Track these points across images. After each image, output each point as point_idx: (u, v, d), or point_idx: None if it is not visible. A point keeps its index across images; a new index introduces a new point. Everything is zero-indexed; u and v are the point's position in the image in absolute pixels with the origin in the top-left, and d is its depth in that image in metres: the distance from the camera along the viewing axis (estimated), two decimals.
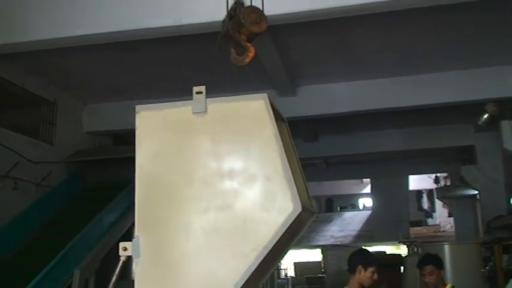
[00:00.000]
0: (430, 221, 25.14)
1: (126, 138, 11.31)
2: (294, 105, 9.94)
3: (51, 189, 9.31)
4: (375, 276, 4.71)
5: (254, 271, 2.86)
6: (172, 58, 8.71)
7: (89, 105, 11.08)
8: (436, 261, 5.29)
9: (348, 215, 24.95)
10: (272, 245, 2.86)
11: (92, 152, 10.41)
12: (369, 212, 23.27)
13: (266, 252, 2.86)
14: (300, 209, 2.88)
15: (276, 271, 20.79)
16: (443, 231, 22.28)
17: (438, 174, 20.82)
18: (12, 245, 7.88)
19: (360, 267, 4.75)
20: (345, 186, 25.33)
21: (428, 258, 5.42)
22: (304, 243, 20.14)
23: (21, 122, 9.25)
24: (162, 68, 9.20)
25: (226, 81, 7.67)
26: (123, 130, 10.65)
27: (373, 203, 21.58)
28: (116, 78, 9.74)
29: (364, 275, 4.72)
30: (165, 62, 8.90)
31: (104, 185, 9.36)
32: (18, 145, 8.81)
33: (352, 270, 4.78)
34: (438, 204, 24.12)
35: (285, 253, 3.58)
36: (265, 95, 3.10)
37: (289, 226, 2.89)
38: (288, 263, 24.29)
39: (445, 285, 5.28)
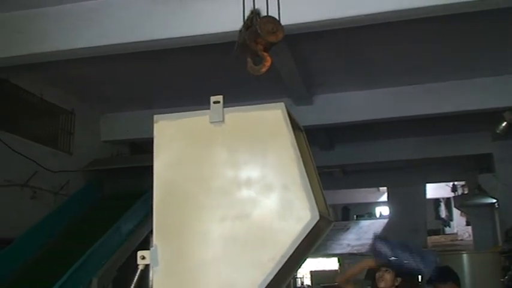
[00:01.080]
0: (447, 229, 24.90)
1: (144, 147, 11.37)
2: (310, 114, 9.93)
3: (69, 198, 9.39)
4: (377, 275, 4.77)
5: (272, 280, 2.85)
6: (190, 68, 8.76)
7: (106, 115, 11.17)
8: (455, 278, 5.20)
9: (365, 223, 24.76)
10: (290, 254, 2.86)
11: (109, 161, 10.49)
12: (386, 220, 23.09)
13: (284, 261, 2.85)
14: (317, 218, 2.87)
15: (292, 280, 20.71)
16: (461, 239, 22.04)
17: (456, 183, 20.63)
18: (30, 253, 7.94)
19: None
20: (362, 195, 25.19)
21: (448, 275, 5.28)
22: (321, 251, 20.00)
23: (40, 131, 9.37)
24: (179, 78, 9.26)
25: (243, 91, 7.71)
26: (140, 139, 10.73)
27: (390, 212, 21.43)
28: (133, 88, 9.81)
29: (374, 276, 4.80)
30: (182, 71, 8.96)
31: (121, 194, 9.41)
32: (37, 154, 8.91)
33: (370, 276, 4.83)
34: (456, 212, 23.89)
35: (303, 262, 3.58)
36: (282, 104, 3.11)
37: (307, 235, 2.89)
38: (304, 272, 24.18)
39: None
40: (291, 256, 2.87)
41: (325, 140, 13.18)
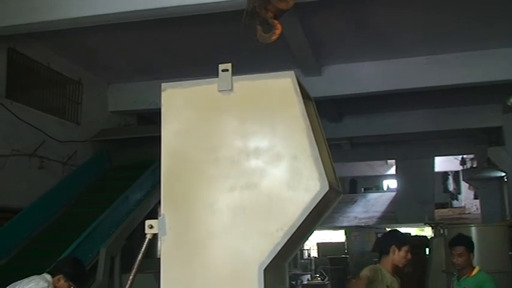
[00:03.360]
0: (455, 203, 24.87)
1: (151, 118, 11.34)
2: (319, 85, 9.84)
3: (77, 168, 9.40)
4: (409, 256, 4.66)
5: (280, 250, 2.84)
6: (198, 37, 8.67)
7: (114, 85, 11.11)
8: (468, 243, 5.20)
9: (372, 196, 24.79)
10: (298, 224, 2.84)
11: (117, 131, 10.47)
12: (393, 193, 23.09)
13: (292, 231, 2.83)
14: (327, 188, 2.84)
15: (299, 251, 20.86)
16: (469, 213, 22.03)
17: (465, 156, 20.55)
18: (39, 223, 7.97)
19: (394, 247, 4.70)
20: (370, 168, 25.17)
21: (460, 239, 5.31)
22: (328, 224, 20.08)
23: (47, 101, 9.35)
24: (187, 47, 9.16)
25: (251, 61, 7.60)
26: (148, 110, 10.67)
27: (398, 185, 21.41)
28: (141, 58, 9.74)
29: (399, 254, 4.67)
30: (190, 40, 8.86)
31: (129, 165, 9.41)
32: (45, 124, 8.91)
33: (385, 251, 4.74)
34: (464, 186, 23.84)
35: (311, 233, 3.55)
36: (292, 72, 3.05)
37: (316, 205, 2.86)
38: (311, 244, 24.34)
39: (473, 268, 5.14)
40: (299, 227, 2.85)
41: (333, 112, 13.10)
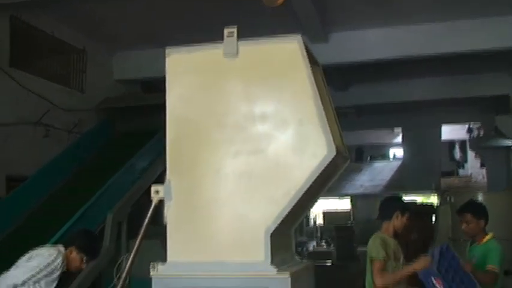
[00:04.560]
0: (461, 171, 24.82)
1: (156, 87, 11.27)
2: (326, 53, 9.65)
3: (82, 136, 9.38)
4: (408, 223, 4.69)
5: (286, 216, 2.84)
6: (203, 2, 8.54)
7: (118, 53, 11.01)
8: (475, 210, 5.00)
9: (378, 164, 24.78)
10: (305, 189, 2.83)
11: (122, 99, 10.41)
12: (400, 162, 23.07)
13: (299, 197, 2.83)
14: (334, 153, 2.82)
15: (304, 219, 20.95)
16: (475, 181, 21.98)
17: (471, 124, 20.44)
18: (44, 191, 7.99)
19: (397, 213, 4.70)
20: (376, 136, 25.05)
21: (467, 206, 5.14)
22: (334, 192, 20.11)
23: (51, 70, 9.29)
24: (192, 13, 9.03)
25: (255, 28, 7.49)
26: (153, 78, 10.60)
27: (404, 153, 21.37)
28: (145, 25, 9.62)
29: (401, 220, 4.69)
30: (195, 6, 8.73)
31: (134, 133, 9.38)
32: (50, 93, 8.86)
33: (388, 216, 4.73)
34: (470, 154, 23.77)
35: (318, 198, 3.54)
36: (299, 36, 3.00)
37: (323, 171, 2.84)
38: (317, 212, 24.43)
39: (485, 235, 4.96)
40: (305, 192, 2.84)
41: (340, 80, 12.98)
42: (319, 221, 24.52)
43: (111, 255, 6.81)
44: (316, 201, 3.59)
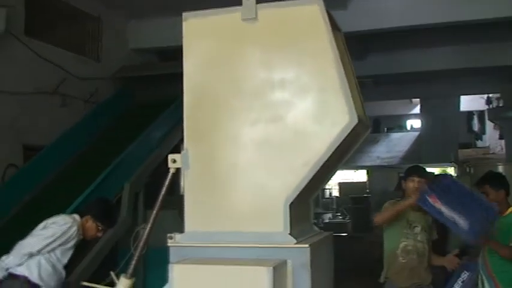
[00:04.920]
0: (479, 143, 24.59)
1: (172, 56, 11.15)
2: (344, 20, 9.34)
3: (99, 105, 9.35)
4: (415, 185, 4.63)
5: (305, 186, 2.77)
6: None
7: (134, 22, 10.90)
8: (493, 181, 4.91)
9: (395, 136, 24.59)
10: (325, 159, 2.76)
11: (139, 68, 10.34)
12: (417, 133, 22.89)
13: (318, 166, 2.76)
14: (355, 121, 2.74)
15: (321, 191, 20.97)
16: (493, 153, 21.76)
17: (490, 95, 20.14)
18: (63, 159, 7.99)
19: (402, 181, 4.81)
20: (393, 107, 24.84)
21: (485, 178, 5.05)
22: (350, 163, 20.04)
23: (67, 38, 9.24)
24: None
25: None
26: (169, 47, 10.45)
27: (422, 124, 21.20)
28: None
29: (407, 185, 4.72)
30: None
31: (151, 102, 9.31)
32: (65, 61, 8.81)
33: (402, 186, 4.82)
34: (489, 126, 23.48)
35: (337, 169, 3.46)
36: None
37: (344, 140, 2.76)
38: (333, 183, 24.43)
39: (509, 206, 4.84)
40: (326, 161, 2.77)
41: (357, 49, 12.78)
42: (335, 192, 24.54)
43: (128, 225, 6.81)
44: (336, 171, 3.51)
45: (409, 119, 27.35)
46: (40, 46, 8.35)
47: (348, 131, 2.75)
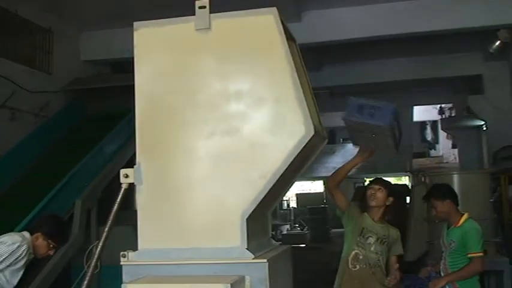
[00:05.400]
0: (432, 152, 25.00)
1: (125, 68, 11.00)
2: (299, 32, 9.23)
3: (49, 118, 9.11)
4: (369, 192, 4.68)
5: (263, 199, 2.73)
6: None
7: (86, 33, 10.71)
8: (437, 192, 5.02)
9: (351, 146, 24.72)
10: (282, 171, 2.73)
11: (91, 80, 10.15)
12: None
13: (276, 178, 2.73)
14: (312, 132, 2.71)
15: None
16: (447, 162, 22.13)
17: (443, 105, 20.55)
18: (11, 175, 7.74)
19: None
20: None
21: (429, 191, 5.23)
22: (307, 174, 20.12)
23: (16, 50, 8.97)
24: None
25: (225, 6, 7.30)
26: (122, 59, 10.31)
27: None
28: (113, 3, 9.33)
29: (366, 193, 4.74)
30: None
31: (104, 115, 9.14)
32: (14, 74, 8.55)
33: (356, 197, 4.82)
34: (442, 135, 23.93)
35: (295, 180, 3.42)
36: (274, 9, 2.87)
37: (301, 151, 2.72)
38: (290, 194, 24.50)
39: (461, 216, 4.91)
40: (283, 173, 2.74)
41: (313, 61, 12.86)
42: (293, 203, 24.60)
43: (80, 243, 6.64)
44: (293, 183, 3.47)
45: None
46: None
47: (305, 143, 2.72)
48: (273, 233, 17.53)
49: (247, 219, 2.70)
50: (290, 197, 24.95)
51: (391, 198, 4.68)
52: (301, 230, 20.01)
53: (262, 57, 2.85)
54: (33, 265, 4.57)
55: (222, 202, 2.76)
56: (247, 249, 2.67)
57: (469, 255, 4.72)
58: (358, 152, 4.68)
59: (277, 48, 2.81)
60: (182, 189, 2.83)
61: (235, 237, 2.69)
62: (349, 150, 24.28)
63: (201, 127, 2.83)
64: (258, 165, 2.74)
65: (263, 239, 3.14)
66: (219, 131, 2.80)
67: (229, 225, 2.72)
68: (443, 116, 20.38)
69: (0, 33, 8.57)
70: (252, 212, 2.71)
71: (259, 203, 2.72)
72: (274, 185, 2.73)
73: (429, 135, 25.65)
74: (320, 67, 13.65)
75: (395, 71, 13.69)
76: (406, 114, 19.07)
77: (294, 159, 2.73)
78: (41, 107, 9.09)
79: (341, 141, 26.17)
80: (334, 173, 4.84)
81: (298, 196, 23.79)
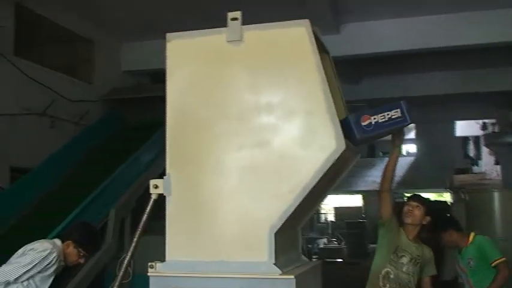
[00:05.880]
0: (475, 168, 24.51)
1: (164, 78, 11.09)
2: (337, 44, 9.39)
3: (87, 127, 9.23)
4: (410, 208, 4.52)
5: (292, 213, 2.69)
6: None
7: (127, 44, 10.86)
8: (457, 225, 5.13)
9: None
10: (312, 185, 2.67)
11: (129, 90, 10.24)
12: (412, 158, 22.81)
13: (305, 193, 2.68)
14: (343, 147, 2.65)
15: (316, 215, 20.81)
16: (489, 179, 21.67)
17: (486, 121, 20.13)
18: (48, 182, 7.83)
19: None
20: None
21: (449, 223, 5.20)
22: (345, 188, 19.91)
23: (57, 59, 9.17)
24: (203, 3, 8.82)
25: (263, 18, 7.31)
26: (161, 69, 10.37)
27: (418, 149, 21.14)
28: (153, 15, 9.44)
29: (404, 209, 4.59)
30: None
31: (141, 125, 9.21)
32: (55, 83, 8.70)
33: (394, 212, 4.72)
34: (484, 151, 23.46)
35: (326, 195, 3.36)
36: (307, 21, 2.84)
37: (331, 165, 2.66)
38: (328, 208, 24.28)
39: (468, 236, 5.03)
40: (313, 188, 2.69)
41: (351, 73, 12.76)
42: (331, 217, 24.36)
43: (113, 251, 6.66)
44: (325, 197, 3.41)
45: (404, 143, 27.30)
46: (29, 67, 8.27)
47: (336, 157, 2.66)
48: (310, 246, 17.37)
49: (275, 233, 2.66)
50: (328, 211, 24.73)
51: (428, 218, 4.53)
52: (339, 244, 19.75)
53: (294, 70, 2.81)
54: (65, 272, 4.60)
55: (251, 215, 2.73)
56: (274, 264, 2.63)
57: (493, 264, 4.77)
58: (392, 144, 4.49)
59: (308, 61, 2.77)
60: (211, 202, 2.81)
61: (262, 251, 2.66)
62: None
63: (231, 139, 2.82)
64: (287, 178, 2.71)
65: (292, 254, 3.09)
66: (249, 143, 2.78)
67: (257, 239, 2.68)
68: (486, 132, 19.99)
69: (42, 42, 8.77)
70: (281, 226, 2.67)
71: (288, 217, 2.68)
72: (303, 200, 2.69)
73: (472, 151, 25.17)
74: (359, 80, 13.53)
75: (435, 84, 13.45)
76: (447, 129, 18.76)
77: (325, 173, 2.67)
78: (81, 116, 9.23)
79: (381, 154, 25.88)
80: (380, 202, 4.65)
81: (337, 210, 23.51)
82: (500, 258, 4.77)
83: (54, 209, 7.06)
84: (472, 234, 5.00)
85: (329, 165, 2.66)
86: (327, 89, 2.73)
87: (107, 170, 7.66)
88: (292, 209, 2.67)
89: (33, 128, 8.24)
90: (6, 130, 7.75)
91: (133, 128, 9.44)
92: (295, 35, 2.82)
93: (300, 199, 2.67)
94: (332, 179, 3.16)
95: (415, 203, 4.54)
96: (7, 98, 7.88)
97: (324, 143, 2.67)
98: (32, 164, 7.86)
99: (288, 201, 2.67)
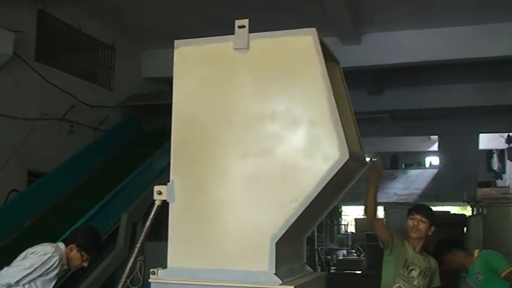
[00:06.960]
0: (499, 182, 24.13)
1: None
2: (358, 54, 9.43)
3: (105, 133, 9.26)
4: (415, 222, 4.44)
5: (294, 223, 2.68)
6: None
7: (148, 51, 10.93)
8: (442, 250, 4.94)
9: (413, 172, 24.21)
10: (315, 195, 2.65)
11: (147, 97, 10.28)
12: (435, 170, 22.54)
13: (308, 202, 2.66)
14: (347, 157, 2.62)
15: (336, 226, 20.68)
16: None
17: (511, 134, 19.83)
18: (64, 187, 7.87)
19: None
20: (411, 143, 24.53)
21: (449, 245, 5.02)
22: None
23: (78, 65, 9.23)
24: (220, 11, 8.85)
25: (283, 28, 7.29)
26: None
27: (440, 162, 20.87)
28: (174, 23, 9.49)
29: (407, 223, 4.53)
30: (223, 3, 8.55)
31: (159, 131, 9.22)
32: (75, 88, 8.77)
33: None
34: (509, 165, 23.10)
35: (333, 205, 3.32)
36: (313, 29, 2.82)
37: (335, 175, 2.63)
38: (349, 219, 24.13)
39: (472, 254, 4.92)
40: (316, 197, 2.66)
41: (373, 84, 12.65)
42: (351, 228, 24.19)
43: (124, 256, 6.62)
44: (331, 207, 3.36)
45: (428, 155, 26.99)
46: (50, 72, 8.33)
47: (339, 167, 2.63)
48: (329, 257, 17.24)
49: (277, 243, 2.64)
50: (349, 222, 24.58)
51: (433, 228, 4.47)
52: (358, 255, 19.58)
53: (299, 78, 2.80)
54: (78, 275, 4.61)
55: (252, 224, 2.72)
56: (275, 274, 2.62)
57: (503, 275, 4.64)
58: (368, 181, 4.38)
59: (314, 69, 2.75)
60: (213, 209, 2.81)
61: (263, 261, 2.65)
62: (411, 177, 23.79)
63: (235, 147, 2.82)
64: (290, 188, 2.69)
65: (295, 264, 3.06)
66: (253, 151, 2.77)
67: (258, 248, 2.67)
68: (511, 145, 19.68)
69: (64, 48, 8.84)
70: (283, 236, 2.65)
71: (290, 227, 2.66)
72: (306, 209, 2.67)
73: (495, 165, 24.79)
74: (381, 90, 13.39)
75: (460, 96, 13.27)
76: (471, 142, 18.50)
77: (328, 183, 2.65)
78: (100, 121, 9.30)
79: (403, 166, 25.66)
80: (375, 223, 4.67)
81: (357, 221, 23.34)
82: (509, 268, 4.64)
83: (68, 213, 7.09)
84: (476, 251, 4.93)
85: (332, 174, 2.63)
86: (332, 98, 2.70)
87: (122, 175, 7.68)
88: (294, 219, 2.66)
89: (53, 133, 8.31)
90: (25, 134, 7.81)
91: (150, 134, 9.46)
92: (302, 44, 2.81)
93: (303, 209, 2.65)
94: (338, 189, 3.12)
95: (418, 216, 4.47)
96: (27, 102, 7.94)
97: (328, 153, 2.65)
98: (49, 169, 7.91)
99: (290, 211, 2.66)
